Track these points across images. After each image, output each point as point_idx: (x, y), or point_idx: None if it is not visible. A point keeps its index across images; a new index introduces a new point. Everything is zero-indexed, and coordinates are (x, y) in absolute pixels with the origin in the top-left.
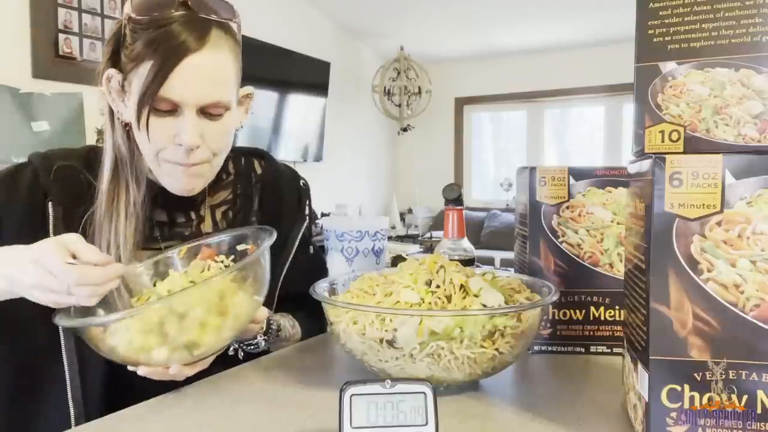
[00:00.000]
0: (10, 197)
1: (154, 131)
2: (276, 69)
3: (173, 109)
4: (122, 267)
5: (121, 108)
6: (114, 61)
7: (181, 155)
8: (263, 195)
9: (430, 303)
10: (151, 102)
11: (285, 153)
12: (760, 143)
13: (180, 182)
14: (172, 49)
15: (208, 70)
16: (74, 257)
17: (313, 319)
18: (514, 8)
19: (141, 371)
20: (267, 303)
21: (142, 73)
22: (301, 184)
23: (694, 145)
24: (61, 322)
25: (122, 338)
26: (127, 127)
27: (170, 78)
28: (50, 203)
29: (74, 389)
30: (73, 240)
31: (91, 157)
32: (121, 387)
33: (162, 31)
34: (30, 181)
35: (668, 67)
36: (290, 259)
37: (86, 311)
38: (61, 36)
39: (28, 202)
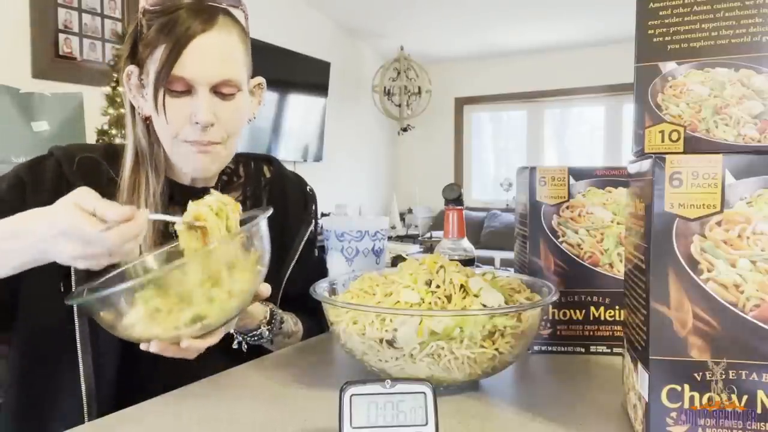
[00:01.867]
0: (36, 183)
1: (171, 112)
2: (276, 69)
3: (187, 90)
4: (146, 212)
5: (141, 102)
6: (133, 56)
7: (198, 133)
8: (271, 197)
9: (430, 303)
10: (166, 82)
11: (285, 153)
12: (760, 143)
13: (195, 162)
14: (182, 31)
15: (217, 49)
16: (94, 215)
17: (314, 321)
18: (514, 8)
19: (153, 348)
20: (270, 301)
21: (156, 57)
22: (308, 189)
23: (694, 145)
24: (73, 300)
25: (133, 317)
26: (147, 121)
27: (182, 57)
28: None
29: (87, 376)
30: (86, 199)
31: (110, 151)
32: (133, 373)
33: (172, 17)
34: (54, 170)
35: (668, 67)
36: (295, 259)
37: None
38: (61, 36)
39: (52, 189)
